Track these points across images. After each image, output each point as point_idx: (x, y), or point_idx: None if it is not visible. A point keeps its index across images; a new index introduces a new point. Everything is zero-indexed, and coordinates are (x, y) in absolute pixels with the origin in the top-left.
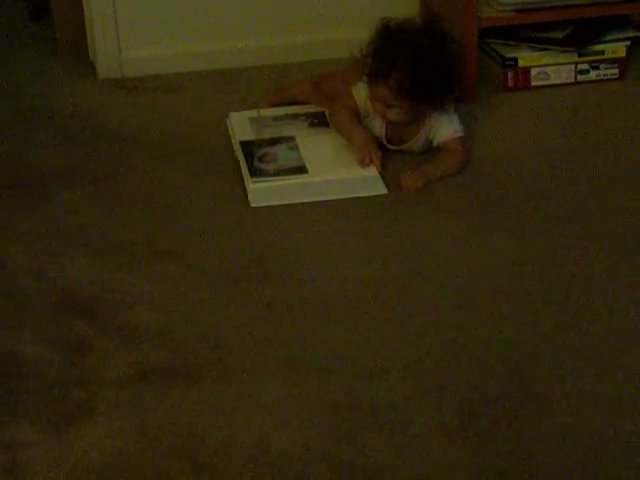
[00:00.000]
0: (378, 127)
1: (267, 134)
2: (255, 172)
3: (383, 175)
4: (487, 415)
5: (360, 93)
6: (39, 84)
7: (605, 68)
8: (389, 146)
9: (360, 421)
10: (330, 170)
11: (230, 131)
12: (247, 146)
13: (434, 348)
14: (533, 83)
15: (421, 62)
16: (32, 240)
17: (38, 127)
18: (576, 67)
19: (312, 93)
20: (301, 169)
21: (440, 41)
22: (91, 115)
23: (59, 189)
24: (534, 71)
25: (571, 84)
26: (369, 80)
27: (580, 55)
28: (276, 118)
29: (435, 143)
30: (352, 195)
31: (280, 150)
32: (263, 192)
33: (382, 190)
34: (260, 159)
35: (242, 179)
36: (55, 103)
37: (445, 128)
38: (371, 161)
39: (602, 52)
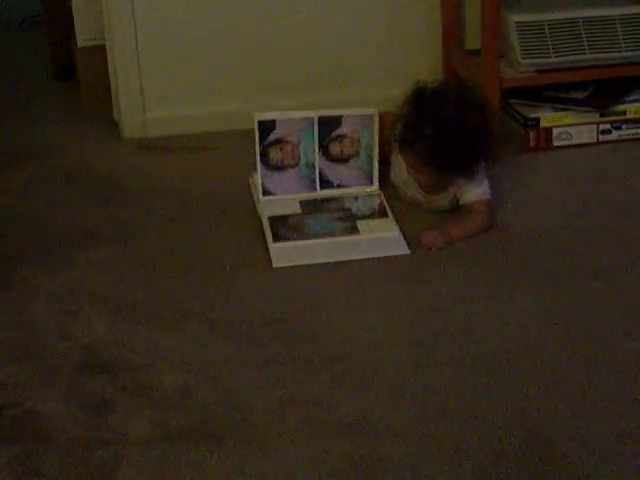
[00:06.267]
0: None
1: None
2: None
3: (405, 235)
4: (507, 477)
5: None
6: (64, 144)
7: (627, 128)
8: (422, 192)
9: None
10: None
11: (253, 190)
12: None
13: (454, 409)
14: (555, 143)
15: (446, 134)
16: (56, 299)
17: (62, 187)
18: (598, 127)
19: None
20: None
21: (470, 112)
22: (115, 175)
23: (83, 249)
24: (556, 131)
25: (593, 144)
26: (398, 145)
27: (602, 115)
28: None
29: (461, 202)
30: (374, 255)
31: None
32: (285, 252)
33: (404, 250)
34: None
35: (265, 239)
36: (80, 163)
37: (473, 189)
38: None
39: (624, 112)
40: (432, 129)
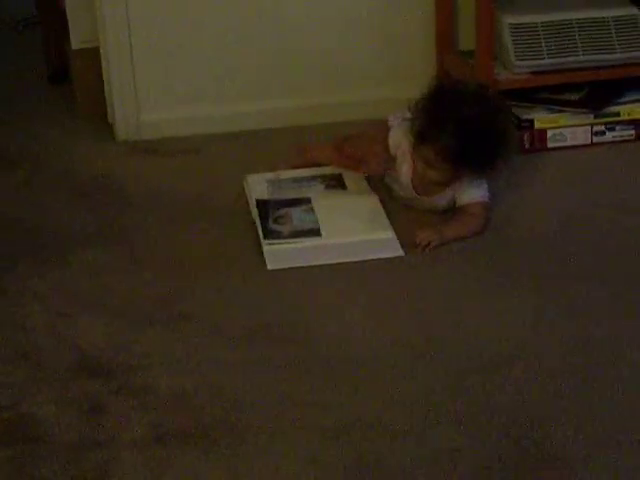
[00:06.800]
0: (404, 174)
1: (283, 196)
2: (269, 234)
3: (399, 237)
4: (504, 478)
5: (395, 136)
6: (58, 146)
7: (621, 130)
8: (415, 194)
9: None
10: (345, 232)
11: (247, 193)
12: (263, 206)
13: (449, 412)
14: (549, 145)
15: (471, 131)
16: (49, 302)
17: (56, 189)
18: (592, 129)
19: (335, 155)
20: (315, 232)
21: (493, 110)
22: (109, 177)
23: (76, 251)
24: (550, 133)
25: (587, 145)
26: (415, 140)
27: (596, 117)
28: (293, 180)
29: (458, 203)
30: (368, 257)
31: (295, 212)
32: (279, 254)
33: (398, 252)
34: (275, 220)
35: (259, 241)
36: (73, 165)
37: (472, 191)
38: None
39: (618, 114)
40: (457, 124)
